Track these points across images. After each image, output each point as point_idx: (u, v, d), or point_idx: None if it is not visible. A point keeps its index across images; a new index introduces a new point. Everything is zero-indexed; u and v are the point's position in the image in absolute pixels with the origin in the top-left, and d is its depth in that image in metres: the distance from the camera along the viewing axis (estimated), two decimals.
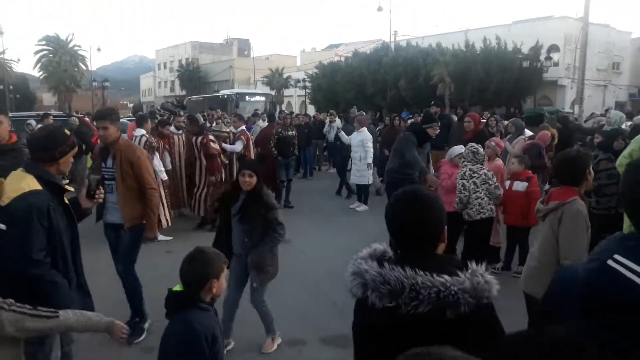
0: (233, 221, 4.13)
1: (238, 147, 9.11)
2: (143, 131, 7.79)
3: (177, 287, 2.48)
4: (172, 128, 9.07)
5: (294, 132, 10.43)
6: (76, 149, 3.14)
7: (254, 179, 4.02)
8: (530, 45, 29.30)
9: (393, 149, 7.33)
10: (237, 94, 30.05)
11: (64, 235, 2.90)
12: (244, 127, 9.55)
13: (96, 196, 3.31)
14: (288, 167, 10.23)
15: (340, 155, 11.94)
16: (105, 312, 2.57)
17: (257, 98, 30.24)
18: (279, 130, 10.31)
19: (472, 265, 1.58)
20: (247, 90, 38.73)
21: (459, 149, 6.45)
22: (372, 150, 9.81)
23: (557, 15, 36.43)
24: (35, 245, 2.69)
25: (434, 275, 1.53)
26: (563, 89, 34.44)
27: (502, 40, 29.67)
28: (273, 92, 37.42)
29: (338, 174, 11.91)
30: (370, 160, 9.70)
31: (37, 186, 2.74)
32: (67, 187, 3.05)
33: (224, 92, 34.05)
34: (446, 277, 1.52)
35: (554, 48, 32.92)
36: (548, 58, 28.82)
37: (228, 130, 9.55)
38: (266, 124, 12.36)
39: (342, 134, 10.68)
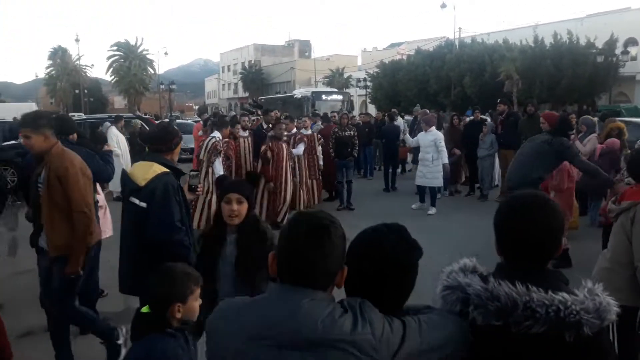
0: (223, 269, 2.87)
1: (300, 149, 8.97)
2: (218, 134, 7.81)
3: (146, 308, 2.27)
4: (240, 131, 9.01)
5: (351, 133, 10.12)
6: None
7: (245, 207, 2.81)
8: (605, 39, 27.65)
9: (535, 154, 5.95)
10: (313, 93, 28.55)
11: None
12: (295, 129, 9.40)
13: (198, 190, 3.68)
14: (347, 169, 9.94)
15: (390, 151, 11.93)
16: None
17: (334, 97, 28.82)
18: (336, 130, 10.16)
19: (587, 283, 1.45)
20: (324, 89, 36.35)
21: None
22: (445, 150, 9.30)
23: (635, 6, 34.32)
24: (176, 215, 3.13)
25: (549, 292, 1.38)
26: None
27: (574, 35, 28.21)
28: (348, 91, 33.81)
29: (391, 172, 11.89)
30: (446, 160, 9.23)
31: (165, 169, 3.18)
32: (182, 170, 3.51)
33: (298, 92, 32.62)
34: (564, 294, 1.38)
35: (631, 41, 31.04)
36: (625, 52, 27.14)
37: (285, 133, 9.33)
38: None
39: (408, 136, 10.24)
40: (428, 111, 13.88)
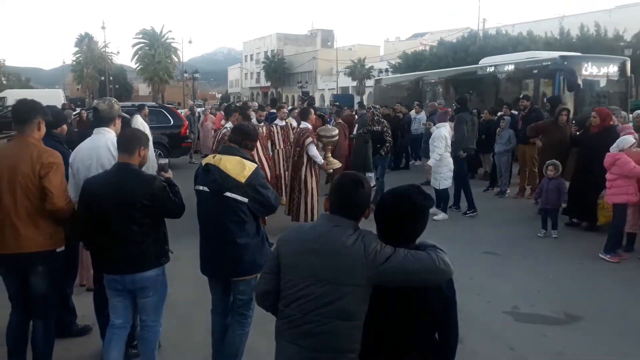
0: None
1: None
2: (230, 125, 7.67)
3: None
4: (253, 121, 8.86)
5: (379, 128, 9.27)
6: None
7: None
8: (634, 31, 27.11)
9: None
10: (562, 57, 14.23)
11: None
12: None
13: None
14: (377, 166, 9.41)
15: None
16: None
17: (608, 69, 14.31)
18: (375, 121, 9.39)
19: None
20: (580, 54, 16.05)
21: (630, 139, 6.34)
22: (440, 150, 8.29)
23: None
24: (272, 198, 3.55)
25: None
26: None
27: (601, 27, 27.68)
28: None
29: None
30: (431, 162, 8.43)
31: (254, 164, 3.50)
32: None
33: (488, 62, 17.64)
34: None
35: None
36: None
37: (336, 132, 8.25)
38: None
39: (434, 128, 9.02)
40: (436, 104, 12.84)
